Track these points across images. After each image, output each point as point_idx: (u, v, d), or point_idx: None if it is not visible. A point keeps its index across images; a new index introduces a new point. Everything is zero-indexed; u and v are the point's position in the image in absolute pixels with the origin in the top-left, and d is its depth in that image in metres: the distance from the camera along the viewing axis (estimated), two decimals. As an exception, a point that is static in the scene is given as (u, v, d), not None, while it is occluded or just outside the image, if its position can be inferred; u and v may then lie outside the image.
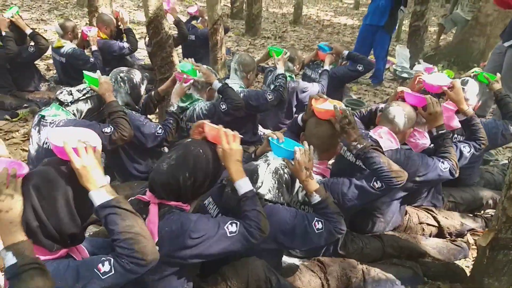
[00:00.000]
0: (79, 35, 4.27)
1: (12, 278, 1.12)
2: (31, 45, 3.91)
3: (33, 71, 4.16)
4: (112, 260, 1.24)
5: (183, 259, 1.48)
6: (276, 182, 1.76)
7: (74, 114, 2.50)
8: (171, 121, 2.61)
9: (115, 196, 1.30)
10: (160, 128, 2.55)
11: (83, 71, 2.58)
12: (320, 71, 3.76)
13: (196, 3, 5.46)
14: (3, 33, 3.76)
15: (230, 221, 1.51)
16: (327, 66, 3.71)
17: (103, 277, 1.22)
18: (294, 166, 1.72)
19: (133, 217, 1.29)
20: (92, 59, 4.08)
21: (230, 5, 9.49)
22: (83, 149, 1.30)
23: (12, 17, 3.80)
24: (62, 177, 1.28)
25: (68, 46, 4.11)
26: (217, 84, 2.83)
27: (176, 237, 1.45)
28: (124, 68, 2.75)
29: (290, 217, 1.68)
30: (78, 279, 1.21)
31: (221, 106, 2.79)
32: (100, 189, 1.28)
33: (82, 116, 2.54)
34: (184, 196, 1.55)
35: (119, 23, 4.46)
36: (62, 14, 8.17)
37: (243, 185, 1.58)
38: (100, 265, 1.23)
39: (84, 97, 2.53)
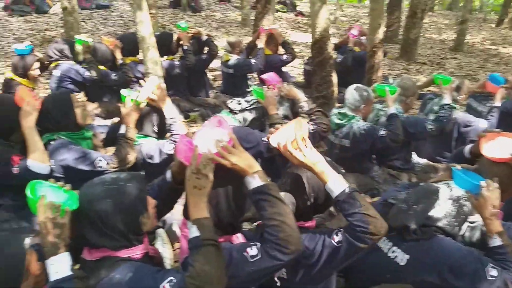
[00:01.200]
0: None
1: (193, 249, 1.28)
2: (204, 53, 4.50)
3: (205, 80, 4.76)
4: (259, 245, 1.31)
5: (317, 272, 1.46)
6: (456, 210, 1.66)
7: (240, 122, 2.77)
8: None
9: (267, 182, 1.35)
10: None
11: (253, 86, 2.82)
12: (489, 105, 3.40)
13: (352, 25, 5.49)
14: (185, 47, 4.39)
15: (336, 231, 1.42)
16: (498, 102, 3.27)
17: (251, 260, 1.30)
18: (479, 201, 1.60)
19: (281, 205, 1.33)
20: (253, 61, 4.51)
21: (385, 29, 9.31)
22: (223, 150, 1.39)
23: (186, 29, 4.45)
24: (224, 175, 1.40)
25: (234, 58, 4.63)
26: (392, 110, 2.82)
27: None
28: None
29: (461, 253, 1.56)
30: (231, 260, 1.32)
31: (380, 131, 2.76)
32: (253, 174, 1.35)
33: (246, 124, 2.79)
34: (306, 216, 1.55)
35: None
36: (227, 31, 9.09)
37: (333, 187, 1.39)
38: (248, 249, 1.32)
39: (250, 107, 2.78)
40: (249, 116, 2.78)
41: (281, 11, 11.17)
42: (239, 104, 2.80)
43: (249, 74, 4.93)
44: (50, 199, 1.32)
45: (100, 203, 1.36)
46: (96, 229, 1.36)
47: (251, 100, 2.80)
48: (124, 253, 1.39)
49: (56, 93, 3.08)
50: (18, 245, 1.23)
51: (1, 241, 1.22)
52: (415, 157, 3.33)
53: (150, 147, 2.43)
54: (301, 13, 11.48)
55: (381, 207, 1.80)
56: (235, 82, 4.66)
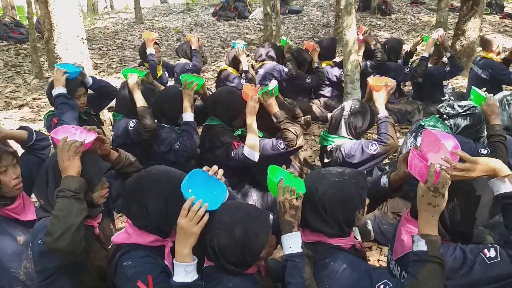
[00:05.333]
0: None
1: (418, 261, 1.29)
2: None
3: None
4: (498, 248, 1.28)
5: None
6: None
7: (451, 128, 2.56)
8: None
9: None
10: None
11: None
12: None
13: None
14: None
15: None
16: None
17: (488, 262, 1.27)
18: None
19: None
20: (448, 69, 4.28)
21: None
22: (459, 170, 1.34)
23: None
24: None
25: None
26: None
27: None
28: (512, 92, 2.60)
29: None
30: (465, 261, 1.30)
31: None
32: (504, 178, 1.31)
33: (458, 131, 2.57)
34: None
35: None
36: (418, 35, 8.59)
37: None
38: (485, 250, 1.28)
39: (464, 113, 2.53)
40: (462, 122, 2.55)
41: (484, 13, 9.96)
42: (452, 108, 2.59)
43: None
44: (287, 183, 1.50)
45: (326, 192, 1.48)
46: (317, 214, 1.49)
47: (467, 105, 2.56)
48: (336, 242, 1.50)
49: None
50: (264, 216, 1.45)
51: (251, 211, 1.47)
52: None
53: (351, 147, 2.47)
54: (508, 16, 10.01)
55: None
56: (425, 89, 4.40)
